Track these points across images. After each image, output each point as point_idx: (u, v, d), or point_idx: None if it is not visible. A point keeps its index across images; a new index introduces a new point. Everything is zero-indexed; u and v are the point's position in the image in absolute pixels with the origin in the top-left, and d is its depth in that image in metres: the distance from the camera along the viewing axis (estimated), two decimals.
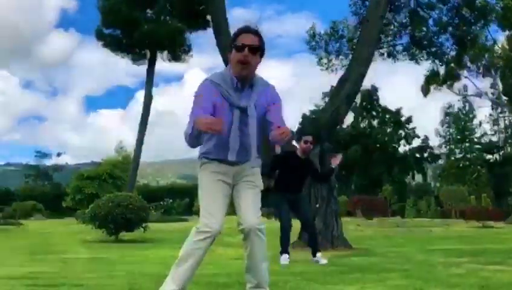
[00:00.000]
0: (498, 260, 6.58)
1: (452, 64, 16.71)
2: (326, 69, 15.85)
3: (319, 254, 6.82)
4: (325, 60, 15.86)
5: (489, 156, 49.90)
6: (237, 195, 3.11)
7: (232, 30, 10.84)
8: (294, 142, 7.15)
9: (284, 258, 6.68)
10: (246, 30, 3.00)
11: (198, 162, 3.15)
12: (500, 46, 32.24)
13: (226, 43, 10.20)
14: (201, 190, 3.08)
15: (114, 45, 33.93)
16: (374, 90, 58.21)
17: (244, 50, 2.91)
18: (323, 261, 6.64)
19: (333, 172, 7.15)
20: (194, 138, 2.95)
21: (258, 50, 2.97)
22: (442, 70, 18.30)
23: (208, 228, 2.93)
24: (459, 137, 49.63)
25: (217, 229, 2.95)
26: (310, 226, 7.10)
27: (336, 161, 6.68)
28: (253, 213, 3.03)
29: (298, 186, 6.97)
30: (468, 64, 21.15)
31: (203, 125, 2.72)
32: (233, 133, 2.96)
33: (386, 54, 15.32)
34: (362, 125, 59.22)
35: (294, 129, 11.67)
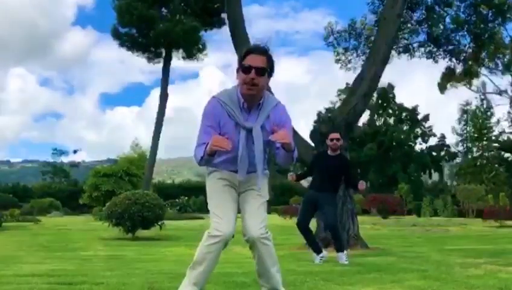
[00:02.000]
0: None
1: (470, 62, 16.52)
2: (345, 66, 15.82)
3: (340, 254, 6.82)
4: (342, 57, 15.83)
5: (507, 155, 49.22)
6: (242, 205, 3.13)
7: (248, 28, 10.84)
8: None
9: (315, 258, 6.82)
10: (254, 50, 2.96)
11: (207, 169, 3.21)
12: None
13: (242, 42, 10.21)
14: (210, 196, 3.13)
15: (130, 43, 34.18)
16: (390, 88, 57.86)
17: (251, 72, 2.89)
18: (344, 261, 6.65)
19: (355, 188, 7.38)
20: (205, 161, 2.99)
21: (265, 71, 2.95)
22: (459, 67, 18.09)
23: (218, 232, 2.95)
24: (476, 135, 49.00)
25: (228, 233, 2.97)
26: (330, 229, 7.12)
27: (362, 187, 6.84)
28: (256, 223, 3.03)
29: (331, 185, 6.94)
30: (487, 61, 20.89)
31: (211, 145, 2.83)
32: (242, 152, 2.99)
33: (402, 52, 15.23)
34: (378, 123, 58.94)
35: (311, 128, 11.63)
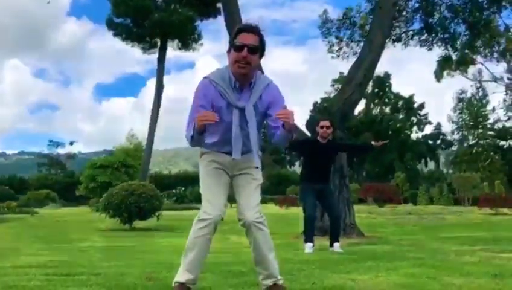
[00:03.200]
0: None
1: (466, 50, 16.53)
2: (338, 56, 15.79)
3: (337, 244, 6.89)
4: (336, 47, 15.79)
5: (502, 142, 49.47)
6: (236, 189, 3.12)
7: (244, 17, 10.80)
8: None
9: (308, 247, 6.82)
10: (246, 29, 2.94)
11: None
12: None
13: None
14: (201, 179, 3.12)
15: (125, 33, 34.01)
16: (386, 76, 57.85)
17: (243, 50, 2.88)
18: (340, 249, 6.72)
19: (371, 149, 7.23)
20: (195, 140, 2.93)
21: (258, 50, 2.93)
22: (455, 56, 18.10)
23: (207, 215, 2.95)
24: (472, 123, 49.15)
25: (217, 215, 2.96)
26: (338, 220, 7.19)
27: (378, 143, 6.86)
28: (251, 207, 3.02)
29: (324, 174, 7.00)
30: (482, 49, 20.89)
31: (197, 122, 2.76)
32: (235, 132, 2.97)
33: (397, 40, 15.21)
34: (374, 112, 59.01)
35: (307, 117, 11.65)
